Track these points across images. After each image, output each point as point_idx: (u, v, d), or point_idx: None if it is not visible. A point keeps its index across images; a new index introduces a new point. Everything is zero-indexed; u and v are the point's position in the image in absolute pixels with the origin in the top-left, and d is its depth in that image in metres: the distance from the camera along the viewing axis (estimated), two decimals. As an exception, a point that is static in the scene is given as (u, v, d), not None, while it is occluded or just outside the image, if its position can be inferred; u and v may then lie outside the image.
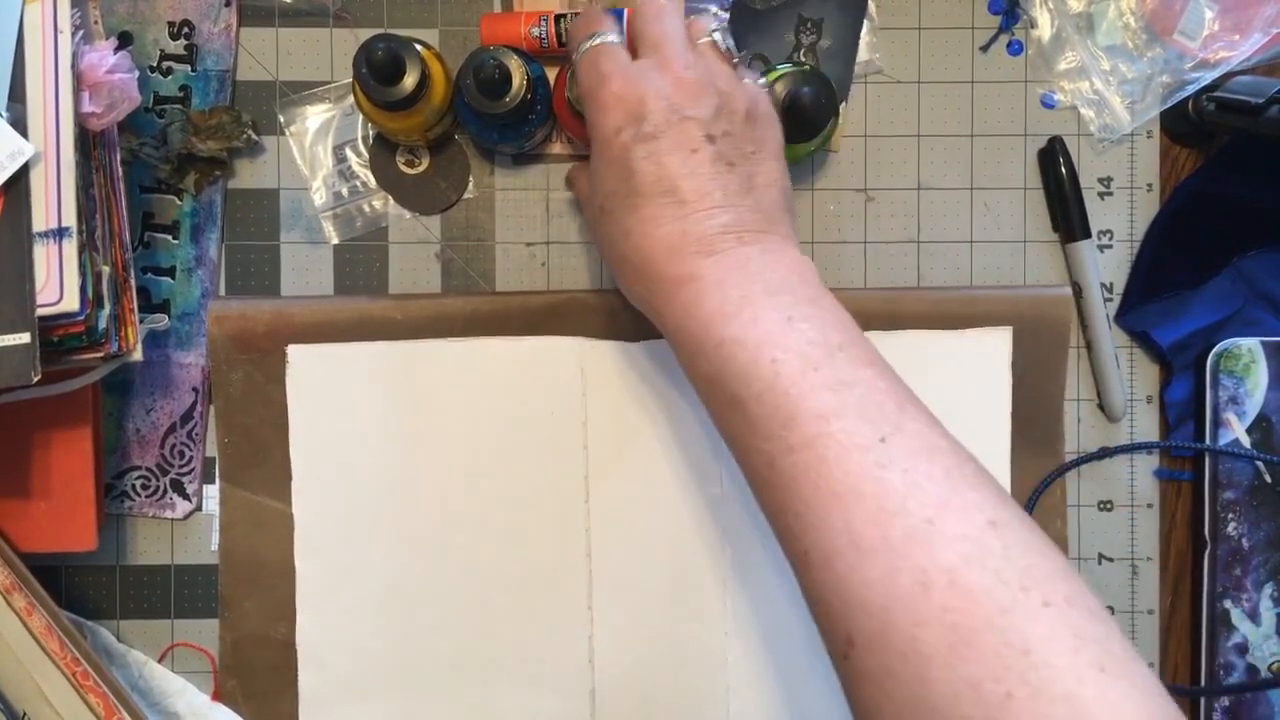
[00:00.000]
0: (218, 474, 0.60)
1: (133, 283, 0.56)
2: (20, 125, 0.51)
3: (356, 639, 0.59)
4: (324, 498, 0.59)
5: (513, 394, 0.59)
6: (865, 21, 0.61)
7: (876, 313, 0.59)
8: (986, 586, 0.35)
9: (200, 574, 0.61)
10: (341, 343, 0.59)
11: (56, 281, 0.51)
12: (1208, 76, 0.60)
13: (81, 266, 0.51)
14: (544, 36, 0.59)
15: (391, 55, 0.53)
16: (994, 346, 0.59)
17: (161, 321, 0.61)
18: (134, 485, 0.61)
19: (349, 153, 0.61)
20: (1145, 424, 0.62)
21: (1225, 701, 0.60)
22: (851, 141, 0.61)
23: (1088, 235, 0.61)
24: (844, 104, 0.61)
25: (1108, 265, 0.61)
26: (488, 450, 0.59)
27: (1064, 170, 0.60)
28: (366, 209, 0.61)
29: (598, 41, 0.49)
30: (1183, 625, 0.62)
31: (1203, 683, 0.60)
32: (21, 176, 0.51)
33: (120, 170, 0.56)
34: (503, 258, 0.61)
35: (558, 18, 0.58)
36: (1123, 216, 0.61)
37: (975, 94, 0.61)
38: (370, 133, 0.61)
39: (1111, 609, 0.62)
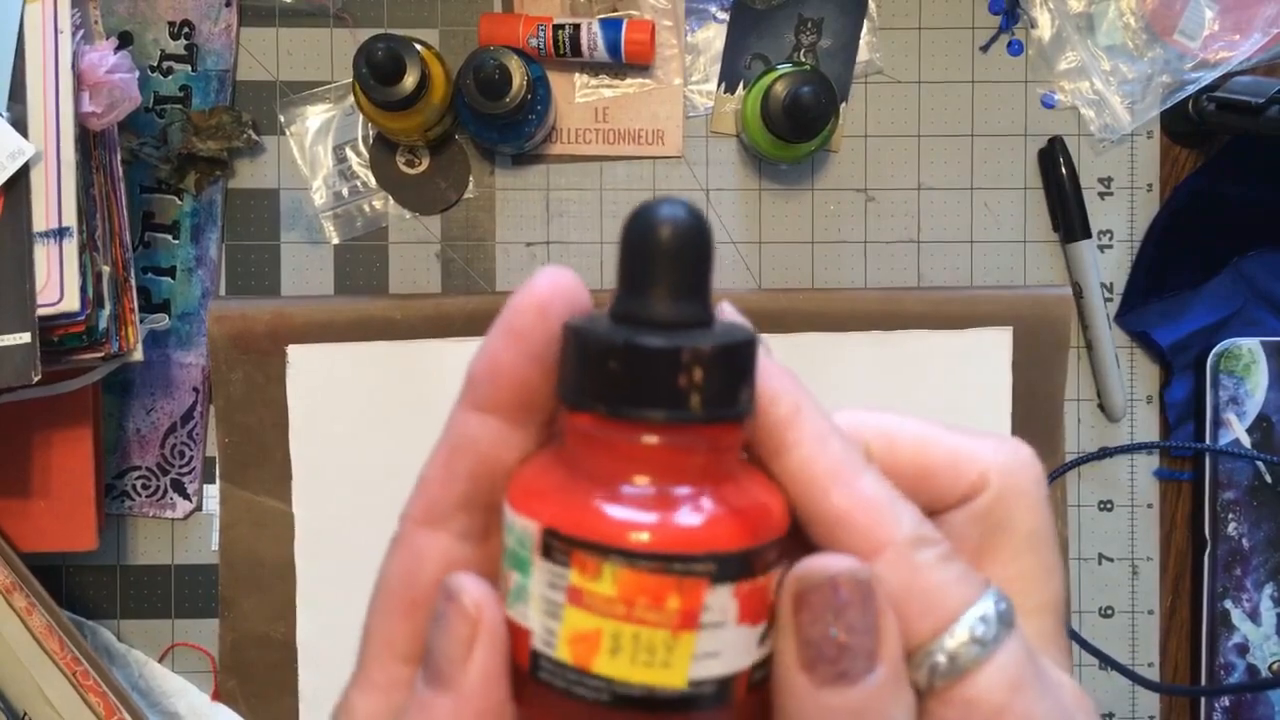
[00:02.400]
0: (218, 474, 0.60)
1: (133, 283, 0.55)
2: (20, 125, 0.51)
3: (357, 639, 0.59)
4: (324, 497, 0.59)
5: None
6: (865, 21, 0.61)
7: (877, 313, 0.59)
8: None
9: (200, 574, 0.61)
10: (342, 343, 0.59)
11: (57, 281, 0.51)
12: (1208, 76, 0.60)
13: (82, 267, 0.51)
14: (541, 46, 0.58)
15: (391, 55, 0.53)
16: (994, 346, 0.59)
17: (162, 321, 0.60)
18: (134, 485, 0.61)
19: (349, 153, 0.61)
20: (1145, 424, 0.62)
21: (1225, 701, 0.60)
22: (851, 141, 0.61)
23: (1088, 235, 0.60)
24: (844, 104, 0.61)
25: (1108, 265, 0.61)
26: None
27: (1064, 170, 0.60)
28: (366, 209, 0.61)
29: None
30: (1183, 625, 0.62)
31: (1203, 683, 0.60)
32: (21, 176, 0.51)
33: (120, 170, 0.55)
34: (503, 257, 0.61)
35: (556, 28, 0.58)
36: (1123, 216, 0.61)
37: (975, 94, 0.61)
38: (370, 133, 0.61)
39: (1111, 609, 0.62)
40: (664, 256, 0.23)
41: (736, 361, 0.22)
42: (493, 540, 0.24)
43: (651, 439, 0.22)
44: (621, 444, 0.22)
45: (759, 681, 0.22)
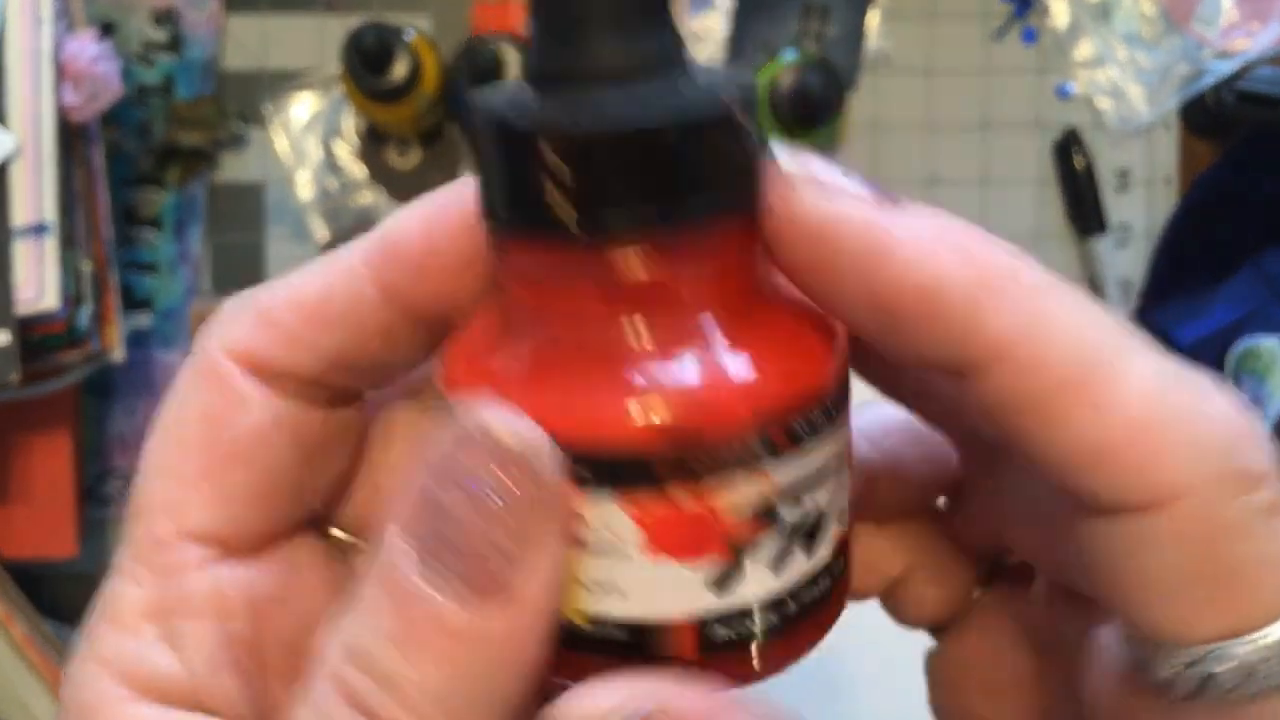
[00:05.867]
0: (203, 478, 0.59)
1: (113, 280, 0.55)
2: (-1, 117, 0.50)
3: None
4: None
5: None
6: (874, 8, 0.60)
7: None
8: None
9: (185, 581, 0.60)
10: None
11: (36, 279, 0.50)
12: (1227, 66, 0.59)
13: (62, 263, 0.50)
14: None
15: (382, 43, 0.52)
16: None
17: (144, 320, 0.60)
18: (116, 489, 0.60)
19: (338, 145, 0.60)
20: (1163, 426, 0.61)
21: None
22: (859, 133, 0.60)
23: (1104, 230, 0.59)
24: (852, 94, 0.60)
25: (1125, 261, 0.60)
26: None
27: (1080, 162, 0.59)
28: (355, 203, 0.60)
29: None
30: (1202, 634, 0.61)
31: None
32: (0, 171, 0.50)
33: (102, 163, 0.54)
34: (498, 254, 0.60)
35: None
36: (1140, 211, 0.60)
37: (988, 83, 0.60)
38: (360, 124, 0.60)
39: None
40: None
41: (734, 127, 0.15)
42: (346, 412, 0.18)
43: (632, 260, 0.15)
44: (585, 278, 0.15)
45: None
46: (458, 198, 0.17)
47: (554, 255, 0.15)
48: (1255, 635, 0.15)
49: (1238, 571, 0.15)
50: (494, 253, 0.16)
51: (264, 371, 0.17)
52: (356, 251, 0.17)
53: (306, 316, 0.17)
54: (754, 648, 0.16)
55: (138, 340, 0.59)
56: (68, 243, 0.51)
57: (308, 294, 0.17)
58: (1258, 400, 0.59)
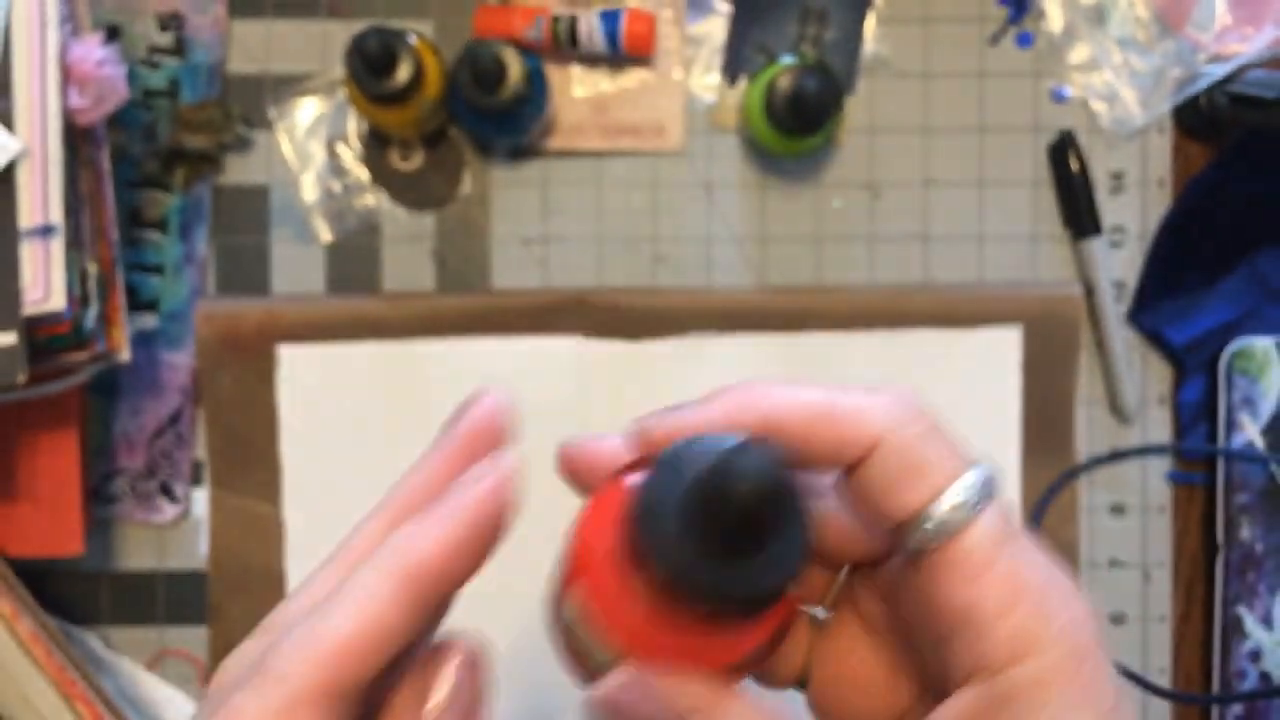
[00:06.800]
0: (207, 477, 0.59)
1: (119, 281, 0.55)
2: (6, 120, 0.50)
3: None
4: (316, 502, 0.58)
5: (510, 395, 0.58)
6: (871, 12, 0.60)
7: (882, 311, 0.58)
8: None
9: (190, 580, 0.60)
10: (333, 342, 0.58)
11: (42, 280, 0.50)
12: (1221, 70, 0.59)
13: (68, 265, 0.50)
14: (539, 38, 0.58)
15: (385, 47, 0.52)
16: (1003, 345, 0.58)
17: (149, 321, 0.60)
18: (121, 489, 0.60)
19: (341, 148, 0.60)
20: (1158, 426, 0.61)
21: (1238, 709, 0.59)
22: (857, 136, 0.60)
23: (1099, 232, 0.59)
24: (849, 97, 0.60)
25: (1119, 262, 0.60)
26: (484, 452, 0.58)
27: (1075, 165, 0.59)
28: (359, 205, 0.60)
29: None
30: (1195, 632, 0.61)
31: (1215, 690, 0.59)
32: (7, 173, 0.50)
33: (108, 166, 0.55)
34: (499, 255, 0.60)
35: (553, 19, 0.58)
36: (1135, 212, 0.60)
37: (984, 87, 0.60)
38: (363, 127, 0.60)
39: (1124, 615, 0.61)
40: (749, 529, 0.25)
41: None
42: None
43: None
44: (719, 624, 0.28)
45: None
46: (453, 521, 0.27)
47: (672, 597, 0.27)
48: (939, 499, 0.26)
49: (925, 462, 0.27)
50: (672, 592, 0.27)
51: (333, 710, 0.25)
52: (385, 582, 0.26)
53: (360, 659, 0.25)
54: None
55: (143, 341, 0.59)
56: (74, 244, 0.51)
57: (354, 641, 0.25)
58: (1251, 400, 0.59)
